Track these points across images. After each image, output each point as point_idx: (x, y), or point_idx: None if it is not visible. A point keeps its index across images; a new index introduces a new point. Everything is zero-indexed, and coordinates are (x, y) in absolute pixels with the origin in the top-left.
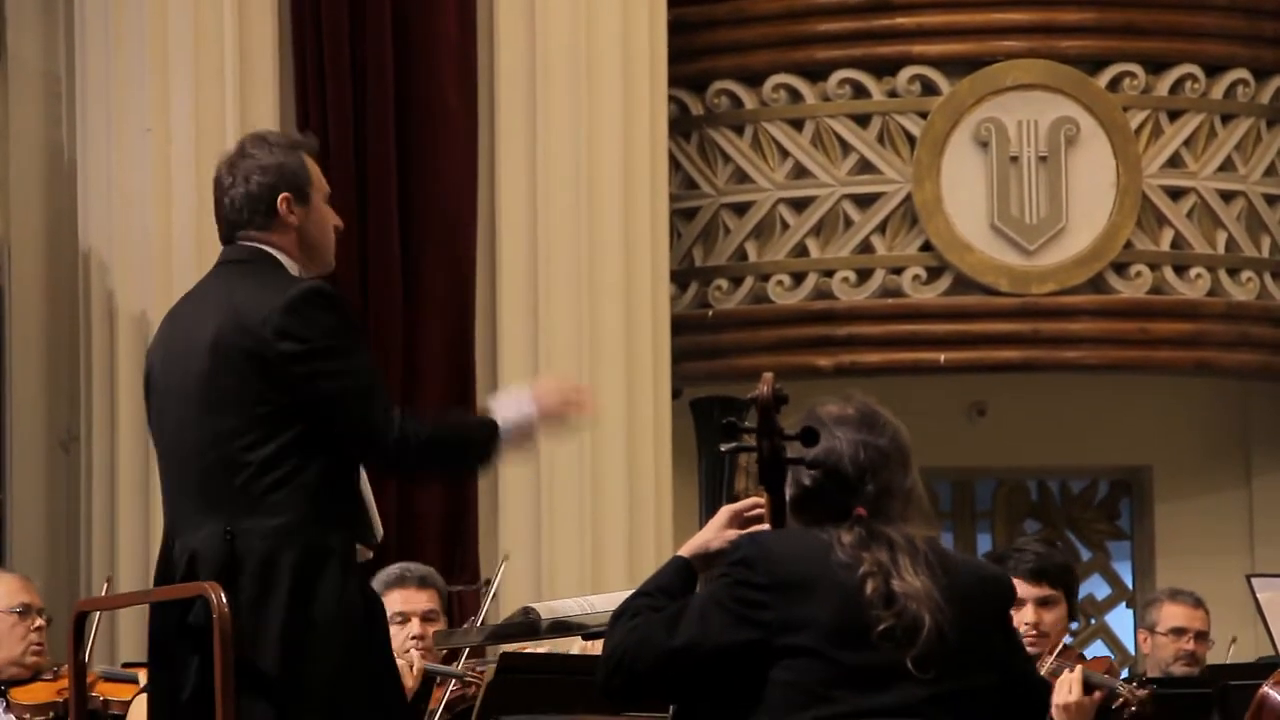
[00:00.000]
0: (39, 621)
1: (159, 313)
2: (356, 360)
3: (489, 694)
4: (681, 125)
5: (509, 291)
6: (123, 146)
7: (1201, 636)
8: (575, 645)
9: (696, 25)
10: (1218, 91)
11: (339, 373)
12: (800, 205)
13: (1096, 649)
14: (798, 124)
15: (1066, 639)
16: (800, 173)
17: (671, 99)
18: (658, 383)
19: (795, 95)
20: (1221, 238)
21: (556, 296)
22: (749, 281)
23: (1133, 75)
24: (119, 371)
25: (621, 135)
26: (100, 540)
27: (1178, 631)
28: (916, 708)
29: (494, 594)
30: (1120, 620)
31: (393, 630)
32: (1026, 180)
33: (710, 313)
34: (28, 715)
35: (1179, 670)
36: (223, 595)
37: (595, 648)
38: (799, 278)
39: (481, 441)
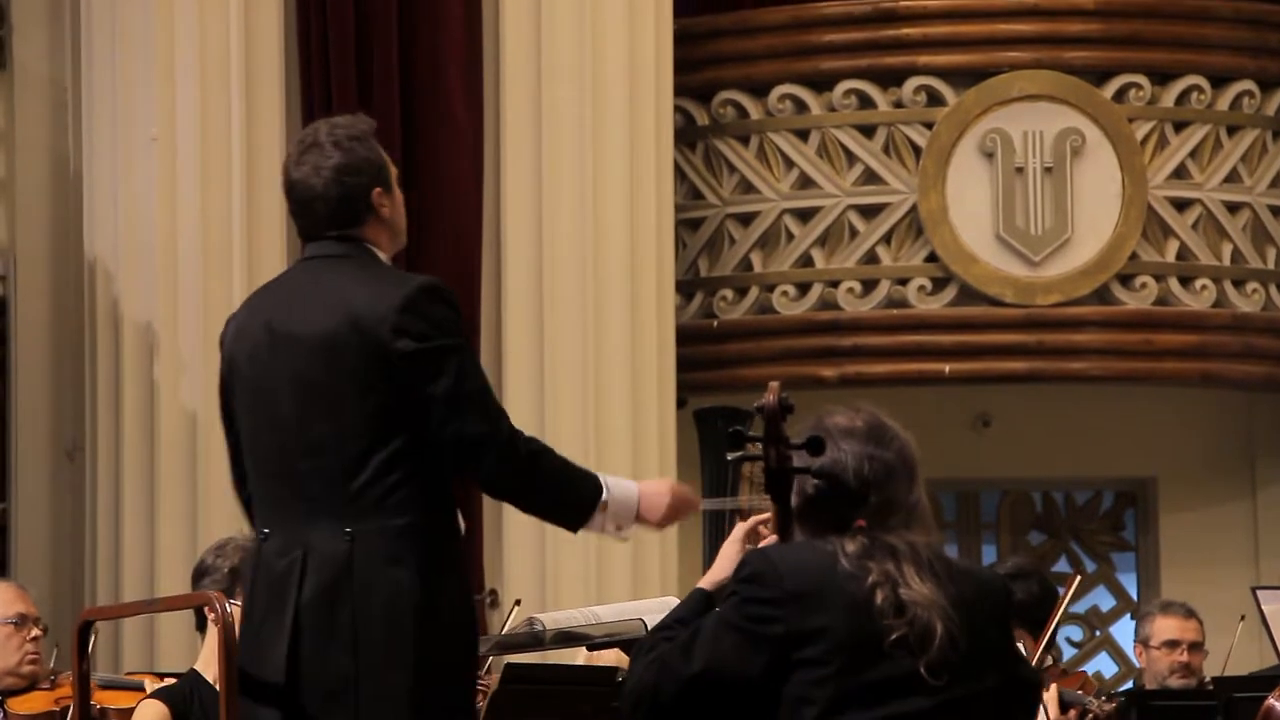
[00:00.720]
0: (35, 631)
1: (164, 321)
2: (471, 360)
3: (494, 704)
4: (687, 135)
5: (515, 301)
6: (128, 155)
7: (1195, 647)
8: (580, 656)
9: (702, 35)
10: (1223, 103)
11: (455, 371)
12: (805, 216)
13: (1101, 661)
14: (803, 134)
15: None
16: (805, 183)
17: (677, 109)
18: (662, 393)
19: (801, 105)
20: (1227, 249)
21: (562, 306)
22: (754, 292)
23: (1138, 86)
24: (124, 380)
25: (627, 145)
26: (105, 549)
27: (1171, 644)
28: (931, 715)
29: (496, 606)
30: (1125, 632)
31: None
32: (1032, 191)
33: (715, 323)
34: None
35: (1175, 682)
36: (227, 604)
37: (598, 658)
38: (804, 288)
39: (585, 491)
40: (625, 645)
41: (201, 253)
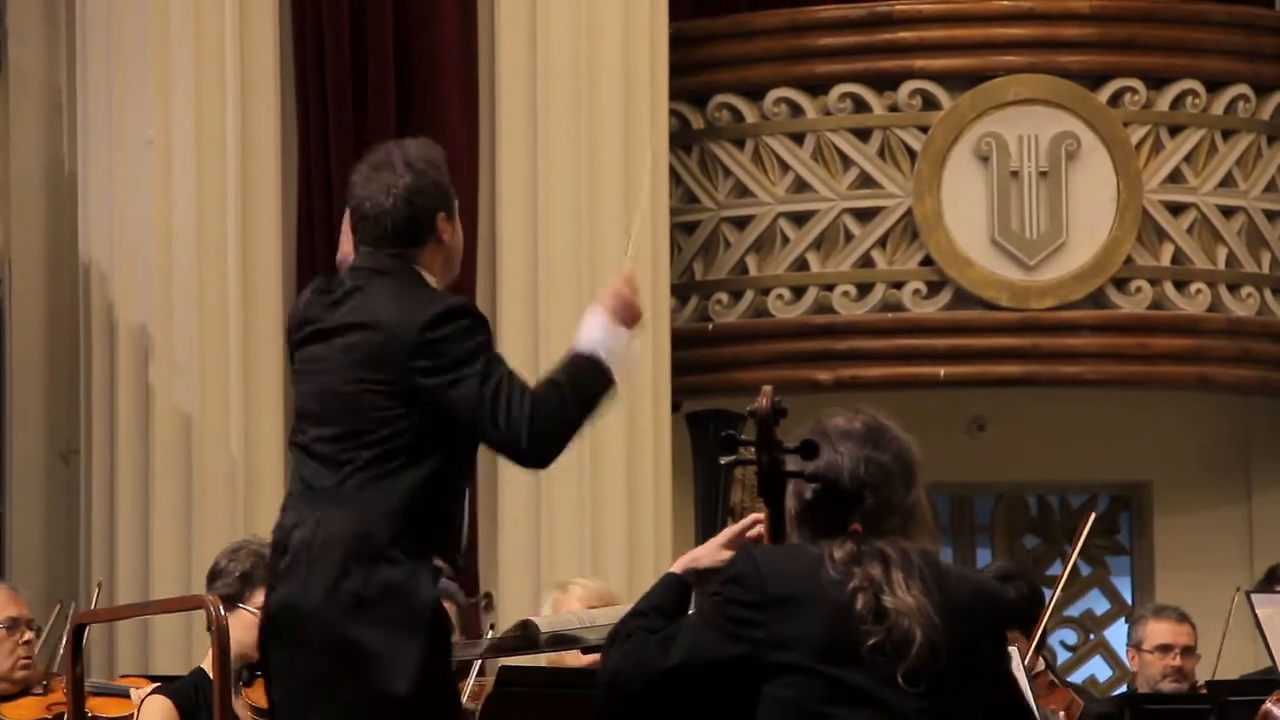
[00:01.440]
0: (28, 635)
1: (159, 325)
2: (480, 374)
3: (487, 707)
4: (682, 139)
5: (509, 305)
6: (124, 158)
7: (1188, 651)
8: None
9: (697, 39)
10: (1218, 107)
11: (463, 387)
12: (801, 219)
13: (1095, 664)
14: (798, 138)
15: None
16: (801, 187)
17: (672, 112)
18: (657, 396)
19: (796, 109)
20: (1222, 253)
21: (557, 310)
22: (749, 295)
23: (1134, 90)
24: (119, 384)
25: (622, 148)
26: (99, 552)
27: (1164, 648)
28: None
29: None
30: (1119, 635)
31: None
32: (1027, 195)
33: (710, 326)
34: None
35: (1168, 686)
36: (221, 608)
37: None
38: (799, 291)
39: (599, 386)
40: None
41: (196, 256)
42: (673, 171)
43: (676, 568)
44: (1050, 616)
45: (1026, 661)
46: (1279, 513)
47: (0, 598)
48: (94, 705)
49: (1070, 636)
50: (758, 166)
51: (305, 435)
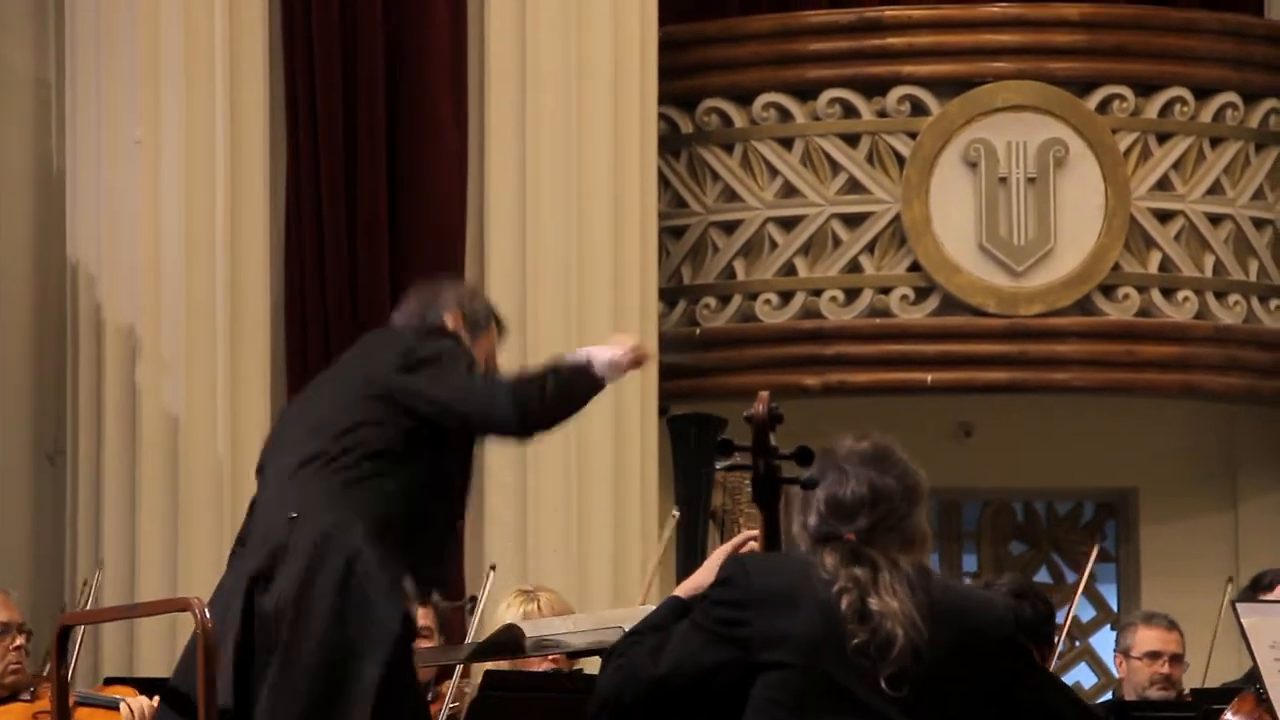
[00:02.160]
0: (19, 640)
1: (147, 326)
2: (459, 365)
3: (473, 712)
4: (671, 143)
5: (498, 308)
6: (112, 158)
7: (1176, 659)
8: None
9: (687, 43)
10: (1207, 114)
11: (443, 375)
12: (789, 224)
13: (1081, 672)
14: (787, 143)
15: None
16: (789, 191)
17: (661, 116)
18: (645, 401)
19: (785, 114)
20: (1209, 261)
21: (545, 313)
22: (737, 300)
23: (1122, 98)
24: (105, 383)
25: (611, 152)
26: (86, 554)
27: (1153, 655)
28: None
29: (479, 610)
30: (1105, 643)
31: None
32: (1015, 201)
33: (698, 331)
34: None
35: (1155, 694)
36: (207, 611)
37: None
38: (787, 297)
39: (585, 381)
40: (605, 654)
41: (184, 256)
42: (661, 176)
43: (680, 592)
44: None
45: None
46: (1265, 521)
47: None
48: (80, 716)
49: None
50: (746, 171)
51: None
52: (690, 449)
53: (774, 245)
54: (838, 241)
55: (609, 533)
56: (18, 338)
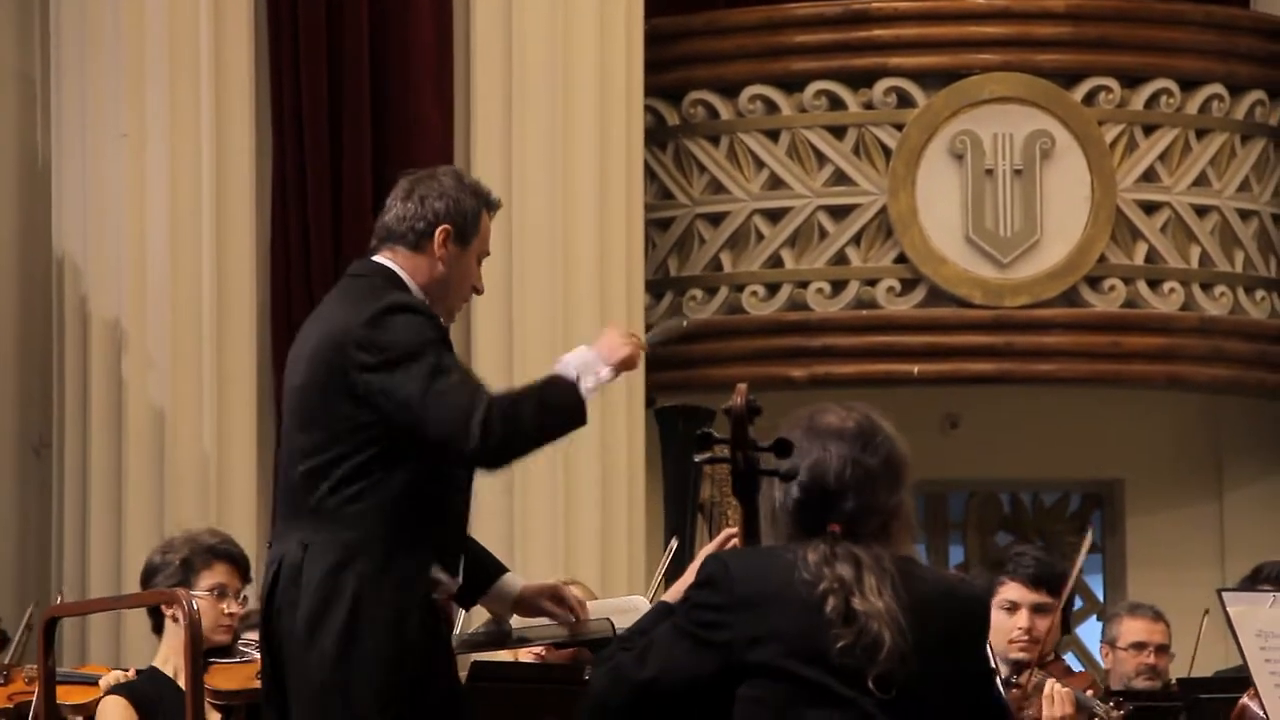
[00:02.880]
0: None
1: (132, 318)
2: (428, 368)
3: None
4: (657, 135)
5: (484, 301)
6: (98, 151)
7: (1162, 650)
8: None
9: (673, 36)
10: (1192, 106)
11: (409, 382)
12: (775, 216)
13: (1066, 661)
14: (773, 135)
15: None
16: (776, 184)
17: (647, 109)
18: (631, 393)
19: (771, 106)
20: (1195, 252)
21: (531, 306)
22: (723, 292)
23: (1108, 89)
24: (92, 377)
25: (597, 145)
26: (71, 545)
27: (1138, 646)
28: None
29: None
30: (1091, 633)
31: None
32: (1001, 193)
33: (685, 323)
34: None
35: (1141, 684)
36: (193, 602)
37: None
38: (773, 288)
39: (570, 411)
40: (591, 646)
41: (170, 249)
42: (648, 168)
43: (669, 597)
44: None
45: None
46: (1250, 511)
47: None
48: (59, 693)
49: None
50: (733, 163)
51: (282, 450)
52: (678, 441)
53: (760, 237)
54: (824, 233)
55: (595, 525)
56: (4, 331)
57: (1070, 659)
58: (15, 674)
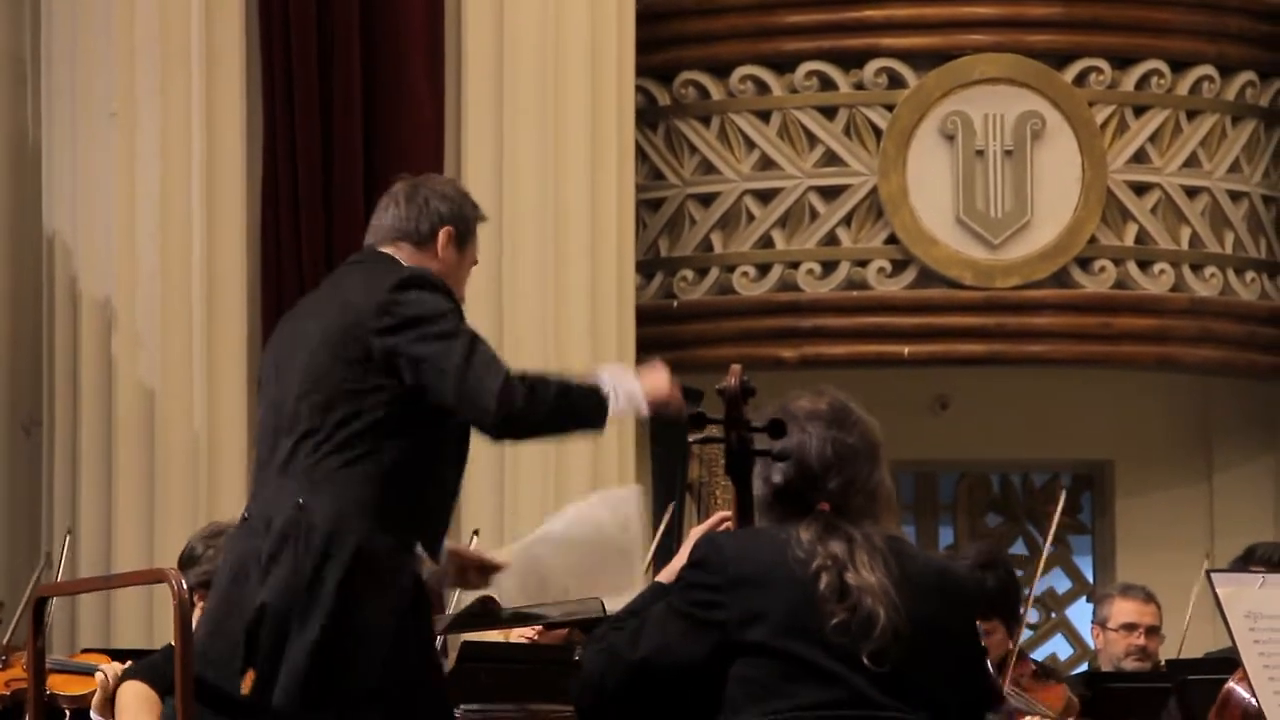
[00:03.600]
0: None
1: (122, 297)
2: (449, 333)
3: (450, 683)
4: (648, 116)
5: (474, 282)
6: (87, 131)
7: (1153, 631)
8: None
9: (664, 15)
10: (1183, 87)
11: (428, 341)
12: (766, 197)
13: (1057, 643)
14: (764, 115)
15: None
16: (766, 164)
17: (638, 89)
18: None
19: (762, 87)
20: (1185, 233)
21: (522, 286)
22: (714, 272)
23: (1099, 70)
24: (82, 356)
25: (588, 125)
26: (61, 525)
27: (1129, 627)
28: (871, 701)
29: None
30: (1081, 614)
31: None
32: (992, 174)
33: (675, 303)
34: None
35: (1131, 665)
36: (185, 581)
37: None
38: (764, 269)
39: (589, 412)
40: (582, 624)
41: (160, 229)
42: (638, 148)
43: (663, 578)
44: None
45: (1013, 647)
46: (1240, 492)
47: None
48: (55, 683)
49: (1031, 615)
50: (723, 144)
51: (279, 409)
52: (665, 421)
53: (751, 218)
54: (815, 214)
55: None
56: None
57: (1060, 640)
58: (15, 659)
